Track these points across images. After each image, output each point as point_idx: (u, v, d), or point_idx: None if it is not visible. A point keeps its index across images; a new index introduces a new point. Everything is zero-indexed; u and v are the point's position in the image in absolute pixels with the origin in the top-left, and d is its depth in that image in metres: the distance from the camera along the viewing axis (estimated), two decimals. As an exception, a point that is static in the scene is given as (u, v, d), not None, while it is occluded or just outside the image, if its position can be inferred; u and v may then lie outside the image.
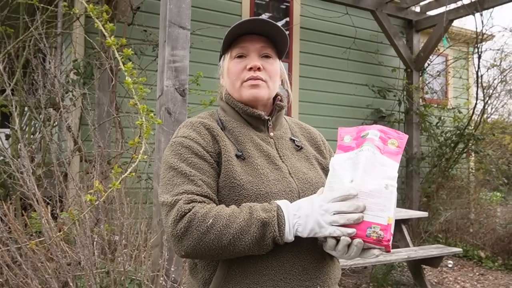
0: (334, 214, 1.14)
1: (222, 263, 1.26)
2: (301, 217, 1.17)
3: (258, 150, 1.37)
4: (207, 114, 1.46)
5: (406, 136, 1.32)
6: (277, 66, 1.44)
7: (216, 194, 1.27)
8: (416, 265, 4.93)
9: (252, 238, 1.16)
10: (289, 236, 1.17)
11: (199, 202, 1.21)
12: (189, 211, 1.17)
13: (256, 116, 1.40)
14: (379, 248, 1.17)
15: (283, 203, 1.20)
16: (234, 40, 1.41)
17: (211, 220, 1.16)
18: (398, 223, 5.02)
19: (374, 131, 1.29)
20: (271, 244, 1.18)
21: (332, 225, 1.14)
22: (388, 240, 1.14)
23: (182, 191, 1.22)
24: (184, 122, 1.41)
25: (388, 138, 1.29)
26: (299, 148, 1.46)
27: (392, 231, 1.16)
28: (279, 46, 1.43)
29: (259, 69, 1.37)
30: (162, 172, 1.33)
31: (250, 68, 1.37)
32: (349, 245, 1.16)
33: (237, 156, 1.32)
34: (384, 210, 1.16)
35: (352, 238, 1.15)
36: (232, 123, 1.41)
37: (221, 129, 1.38)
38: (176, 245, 1.19)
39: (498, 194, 8.39)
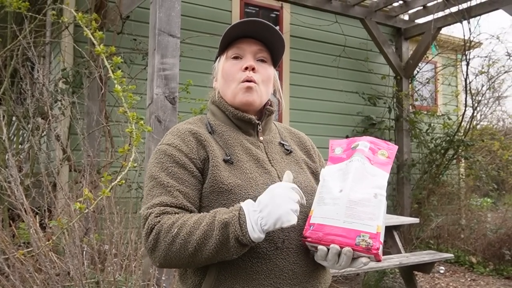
0: (297, 202, 1.15)
1: (211, 268, 1.25)
2: (262, 210, 1.14)
3: (247, 154, 1.36)
4: (196, 119, 1.46)
5: (396, 147, 1.34)
6: (270, 72, 1.44)
7: (196, 203, 1.28)
8: (408, 272, 4.92)
9: (216, 241, 1.14)
10: (254, 234, 1.12)
11: (171, 213, 1.22)
12: (157, 223, 1.19)
13: (247, 120, 1.40)
14: (368, 257, 1.16)
15: (245, 203, 1.19)
16: (231, 42, 1.41)
17: (176, 230, 1.16)
18: (390, 229, 5.02)
19: (364, 142, 1.31)
20: (236, 245, 1.14)
21: (295, 214, 1.15)
22: (377, 249, 1.15)
23: (156, 202, 1.23)
24: (171, 128, 1.41)
25: (378, 149, 1.31)
26: (288, 152, 1.45)
27: (381, 240, 1.17)
28: (275, 52, 1.44)
29: (253, 69, 1.38)
30: (145, 180, 1.34)
31: (246, 68, 1.37)
32: (339, 254, 1.16)
33: (225, 161, 1.31)
34: (373, 219, 1.17)
35: (342, 246, 1.16)
36: (221, 127, 1.41)
37: (210, 133, 1.38)
38: (150, 256, 1.22)
39: (488, 200, 8.45)
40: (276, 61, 1.46)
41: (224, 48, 1.43)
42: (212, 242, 1.14)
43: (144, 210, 1.24)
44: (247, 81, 1.37)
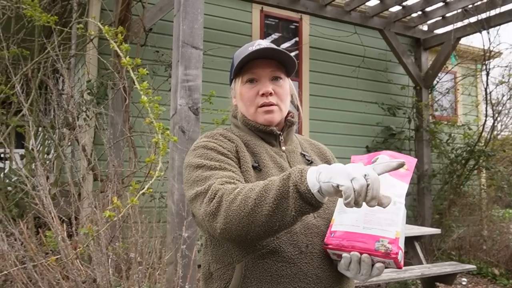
0: (364, 176, 1.02)
1: (237, 272, 1.27)
2: (326, 167, 1.08)
3: (272, 161, 1.42)
4: (223, 129, 1.52)
5: (415, 160, 1.37)
6: (287, 86, 1.49)
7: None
8: (430, 283, 4.88)
9: (276, 192, 1.09)
10: (311, 177, 1.06)
11: (232, 183, 1.23)
12: (222, 188, 1.19)
13: (269, 132, 1.46)
14: (388, 262, 1.18)
15: None
16: (244, 65, 1.45)
17: (238, 189, 1.16)
18: (411, 240, 4.99)
19: (384, 156, 1.34)
20: (296, 195, 1.07)
21: (351, 182, 1.00)
22: (396, 253, 1.17)
23: (216, 177, 1.25)
24: (204, 134, 1.47)
25: None
26: (309, 162, 1.50)
27: (401, 246, 1.19)
28: (287, 66, 1.48)
29: (270, 94, 1.42)
30: (186, 174, 1.34)
31: (263, 94, 1.42)
32: (360, 263, 1.19)
33: (254, 167, 1.37)
34: (392, 225, 1.20)
35: (361, 253, 1.18)
36: (246, 137, 1.46)
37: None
38: (211, 224, 1.18)
39: (510, 210, 8.31)
40: (290, 72, 1.50)
41: (237, 72, 1.47)
42: (272, 194, 1.10)
43: (202, 186, 1.24)
44: (267, 105, 1.42)
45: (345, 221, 1.25)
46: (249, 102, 1.45)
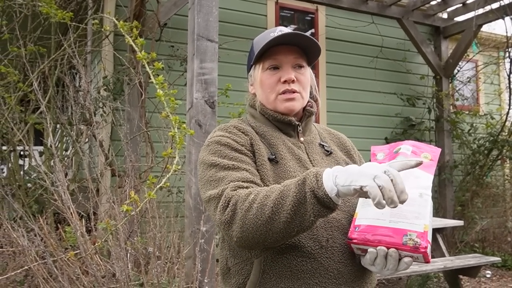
0: (384, 172, 1.01)
1: (256, 267, 1.24)
2: (347, 168, 1.07)
3: (290, 153, 1.37)
4: (238, 120, 1.47)
5: (439, 150, 1.32)
6: (308, 75, 1.44)
7: (260, 181, 1.26)
8: (453, 276, 4.79)
9: (293, 199, 1.08)
10: (328, 183, 1.05)
11: (245, 187, 1.19)
12: (234, 195, 1.16)
13: (287, 122, 1.41)
14: (417, 257, 1.13)
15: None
16: (265, 51, 1.40)
17: (252, 196, 1.13)
18: (433, 232, 4.85)
19: (406, 146, 1.30)
20: (313, 200, 1.06)
21: (374, 181, 1.00)
22: (425, 248, 1.12)
23: (228, 180, 1.21)
24: (218, 127, 1.42)
25: (421, 152, 1.29)
26: (328, 153, 1.45)
27: (429, 239, 1.14)
28: (310, 54, 1.43)
29: (293, 81, 1.38)
30: (200, 172, 1.32)
31: (285, 81, 1.37)
32: (386, 257, 1.14)
33: (270, 160, 1.32)
34: (420, 218, 1.15)
35: (388, 247, 1.14)
36: (262, 127, 1.42)
37: (255, 132, 1.40)
38: (226, 232, 1.17)
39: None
40: (311, 61, 1.46)
41: (259, 58, 1.42)
42: (289, 201, 1.08)
43: (215, 190, 1.21)
44: (288, 92, 1.38)
45: (369, 214, 1.20)
46: (270, 89, 1.40)
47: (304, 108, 1.45)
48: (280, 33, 1.36)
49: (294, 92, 1.38)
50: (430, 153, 1.29)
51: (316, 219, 1.09)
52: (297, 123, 1.42)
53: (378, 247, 1.15)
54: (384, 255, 1.14)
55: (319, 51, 1.42)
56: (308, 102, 1.47)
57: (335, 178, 1.05)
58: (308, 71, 1.44)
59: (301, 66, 1.41)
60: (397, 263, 1.14)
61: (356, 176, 1.02)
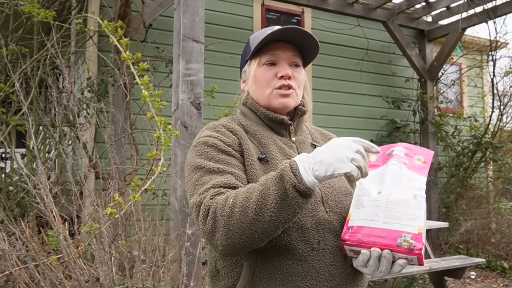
0: (356, 152, 1.08)
1: (246, 270, 1.22)
2: (316, 157, 1.10)
3: (281, 153, 1.35)
4: (228, 119, 1.45)
5: (432, 152, 1.33)
6: (303, 74, 1.44)
7: (246, 184, 1.24)
8: (438, 277, 4.81)
9: (274, 197, 1.08)
10: (308, 178, 1.08)
11: (222, 193, 1.17)
12: (213, 203, 1.14)
13: (279, 121, 1.39)
14: (411, 259, 1.12)
15: (299, 154, 1.16)
16: (263, 46, 1.38)
17: (231, 201, 1.12)
18: (419, 234, 4.92)
19: (399, 148, 1.30)
20: (295, 194, 1.08)
21: (353, 163, 1.07)
22: (420, 249, 1.11)
23: (209, 186, 1.19)
24: (206, 125, 1.40)
25: (414, 154, 1.30)
26: None
27: (424, 241, 1.13)
28: (307, 55, 1.43)
29: (289, 77, 1.37)
30: (187, 174, 1.30)
31: (281, 77, 1.36)
32: (379, 259, 1.13)
33: (260, 159, 1.31)
34: (414, 219, 1.14)
35: (382, 248, 1.12)
36: (253, 126, 1.40)
37: (244, 132, 1.37)
38: (211, 242, 1.16)
39: (518, 203, 8.23)
40: (307, 62, 1.45)
41: (255, 53, 1.40)
42: (271, 200, 1.09)
43: (197, 197, 1.19)
44: (284, 87, 1.36)
45: (363, 216, 1.19)
46: (265, 84, 1.38)
47: (296, 107, 1.44)
48: (280, 28, 1.35)
49: (290, 88, 1.37)
50: (423, 156, 1.30)
51: (300, 210, 1.11)
52: (289, 122, 1.41)
53: (372, 249, 1.14)
54: (377, 256, 1.13)
55: (317, 51, 1.41)
56: (301, 101, 1.46)
57: (313, 171, 1.08)
58: (303, 72, 1.44)
59: (297, 65, 1.41)
60: (390, 265, 1.13)
61: (336, 164, 1.07)
